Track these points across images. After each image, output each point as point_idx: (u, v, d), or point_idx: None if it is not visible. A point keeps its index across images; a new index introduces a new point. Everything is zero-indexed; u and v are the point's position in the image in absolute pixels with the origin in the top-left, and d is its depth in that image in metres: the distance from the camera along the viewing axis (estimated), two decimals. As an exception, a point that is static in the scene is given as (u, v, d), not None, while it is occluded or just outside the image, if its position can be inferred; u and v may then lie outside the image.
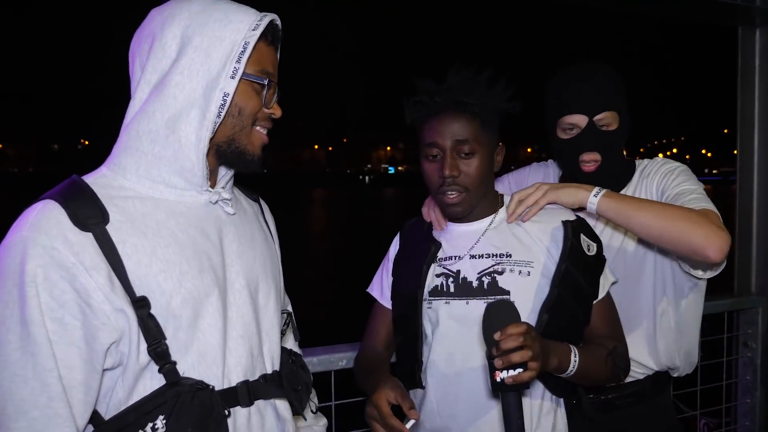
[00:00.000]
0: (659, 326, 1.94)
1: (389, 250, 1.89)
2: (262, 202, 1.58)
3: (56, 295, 1.08)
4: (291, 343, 1.55)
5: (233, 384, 1.26)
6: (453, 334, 1.68)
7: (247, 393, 1.27)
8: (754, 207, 3.21)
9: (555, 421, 1.68)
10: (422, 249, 1.76)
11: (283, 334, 1.47)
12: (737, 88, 3.20)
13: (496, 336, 1.35)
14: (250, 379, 1.29)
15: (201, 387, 1.18)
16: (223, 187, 1.35)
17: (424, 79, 1.66)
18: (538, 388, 1.67)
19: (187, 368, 1.19)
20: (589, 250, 1.67)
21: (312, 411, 1.55)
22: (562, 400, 1.71)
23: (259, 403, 1.30)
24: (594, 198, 1.68)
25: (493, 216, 1.74)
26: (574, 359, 1.53)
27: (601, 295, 1.71)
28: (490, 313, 1.40)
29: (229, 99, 1.21)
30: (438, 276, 1.72)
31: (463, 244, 1.73)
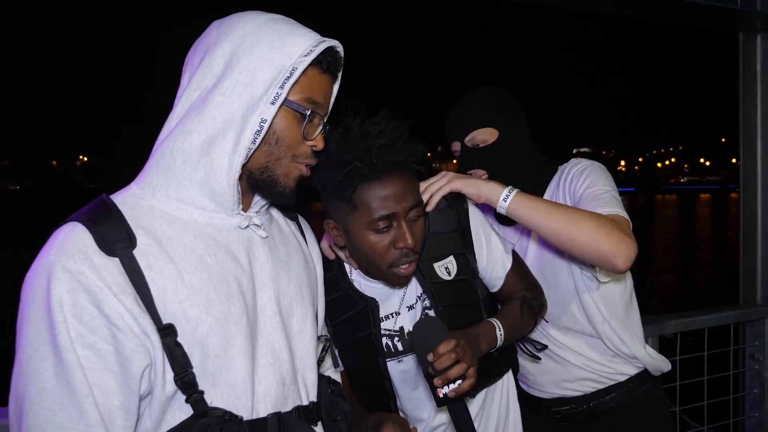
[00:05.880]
0: (597, 326, 1.93)
1: None
2: (302, 221, 1.50)
3: (86, 321, 1.04)
4: (329, 370, 1.49)
5: (261, 415, 1.20)
6: (413, 386, 1.69)
7: (277, 426, 1.21)
8: (758, 216, 3.16)
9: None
10: (358, 312, 1.62)
11: (321, 361, 1.40)
12: (738, 94, 3.15)
13: (429, 358, 1.39)
14: (282, 411, 1.23)
15: (229, 419, 1.14)
16: (257, 212, 1.29)
17: (338, 142, 1.44)
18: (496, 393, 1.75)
19: (215, 398, 1.14)
20: (449, 273, 1.64)
21: None
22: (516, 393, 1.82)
23: None
24: (504, 203, 1.68)
25: None
26: (500, 333, 1.60)
27: (498, 282, 1.73)
28: (417, 334, 1.44)
29: (266, 125, 1.15)
30: (382, 336, 1.65)
31: (396, 298, 1.66)
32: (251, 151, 1.17)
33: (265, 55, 1.15)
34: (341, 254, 1.64)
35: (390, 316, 1.65)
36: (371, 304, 1.61)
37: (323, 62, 1.21)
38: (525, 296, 1.73)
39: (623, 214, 1.73)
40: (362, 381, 1.69)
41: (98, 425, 1.04)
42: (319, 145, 1.25)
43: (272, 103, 1.14)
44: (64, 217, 1.15)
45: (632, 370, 1.97)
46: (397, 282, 1.56)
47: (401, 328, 1.64)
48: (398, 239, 1.46)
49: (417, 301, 1.66)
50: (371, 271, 1.58)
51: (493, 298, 1.81)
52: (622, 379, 1.97)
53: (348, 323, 1.63)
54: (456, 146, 1.98)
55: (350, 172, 1.41)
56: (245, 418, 1.17)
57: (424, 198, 1.62)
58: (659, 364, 2.00)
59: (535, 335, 1.95)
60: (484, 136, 1.93)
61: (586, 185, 1.85)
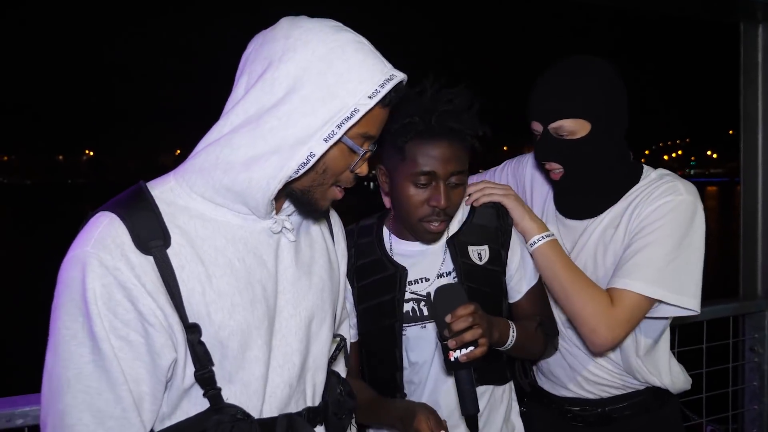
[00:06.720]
0: (630, 358, 1.86)
1: None
2: (333, 215, 1.52)
3: (120, 314, 1.09)
4: (341, 369, 1.52)
5: (265, 414, 1.24)
6: (428, 355, 1.69)
7: (285, 426, 1.25)
8: (759, 208, 3.13)
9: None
10: (386, 276, 1.69)
11: (334, 359, 1.45)
12: (739, 85, 3.11)
13: (447, 318, 1.45)
14: (285, 411, 1.28)
15: (241, 417, 1.18)
16: (289, 215, 1.31)
17: (409, 98, 1.53)
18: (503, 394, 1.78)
19: (229, 395, 1.19)
20: (480, 259, 1.71)
21: None
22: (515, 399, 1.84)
23: None
24: (530, 246, 1.76)
25: (446, 232, 1.72)
26: (512, 333, 1.64)
27: (517, 295, 1.78)
28: (438, 296, 1.50)
29: (314, 159, 1.14)
30: (407, 302, 1.69)
31: (428, 264, 1.71)
32: (292, 178, 1.17)
33: (330, 88, 1.13)
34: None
35: (420, 281, 1.70)
36: (400, 271, 1.68)
37: (386, 98, 1.19)
38: (543, 321, 1.76)
39: (645, 291, 1.66)
40: (374, 348, 1.73)
41: (132, 409, 1.10)
42: (363, 171, 1.27)
43: (325, 141, 1.14)
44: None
45: (645, 382, 1.89)
46: (426, 237, 1.66)
47: (429, 294, 1.66)
48: (432, 197, 1.57)
49: (451, 272, 1.70)
50: (404, 221, 1.67)
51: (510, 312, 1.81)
52: (642, 387, 1.89)
53: (374, 285, 1.70)
54: (537, 127, 1.76)
55: (407, 125, 1.53)
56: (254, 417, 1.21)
57: (477, 195, 1.76)
58: (681, 385, 1.92)
59: (557, 354, 1.92)
60: (574, 127, 1.70)
61: (650, 240, 1.68)
